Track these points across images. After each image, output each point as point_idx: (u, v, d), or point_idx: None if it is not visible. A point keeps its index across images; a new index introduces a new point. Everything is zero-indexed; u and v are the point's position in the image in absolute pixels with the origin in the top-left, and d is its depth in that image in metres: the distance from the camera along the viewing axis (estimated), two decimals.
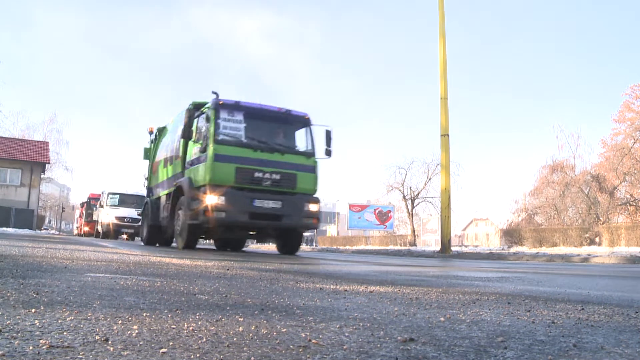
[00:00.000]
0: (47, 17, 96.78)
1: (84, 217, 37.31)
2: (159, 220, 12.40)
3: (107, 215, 25.31)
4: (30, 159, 33.48)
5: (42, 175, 36.77)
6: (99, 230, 26.38)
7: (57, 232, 51.13)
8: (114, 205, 25.80)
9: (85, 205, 37.76)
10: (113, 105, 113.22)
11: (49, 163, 36.62)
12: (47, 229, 52.70)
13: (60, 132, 46.72)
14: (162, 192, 12.46)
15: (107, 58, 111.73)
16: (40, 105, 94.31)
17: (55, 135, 46.08)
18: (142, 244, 14.04)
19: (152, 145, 14.61)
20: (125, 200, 26.32)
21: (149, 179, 14.60)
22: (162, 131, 14.10)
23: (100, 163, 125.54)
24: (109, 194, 26.44)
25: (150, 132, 14.85)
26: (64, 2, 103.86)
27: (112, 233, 25.04)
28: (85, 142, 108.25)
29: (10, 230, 24.59)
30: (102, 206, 26.71)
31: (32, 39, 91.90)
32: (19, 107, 71.67)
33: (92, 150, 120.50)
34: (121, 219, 25.02)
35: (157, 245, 13.19)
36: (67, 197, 79.17)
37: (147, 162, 15.20)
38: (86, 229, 35.53)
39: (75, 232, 45.58)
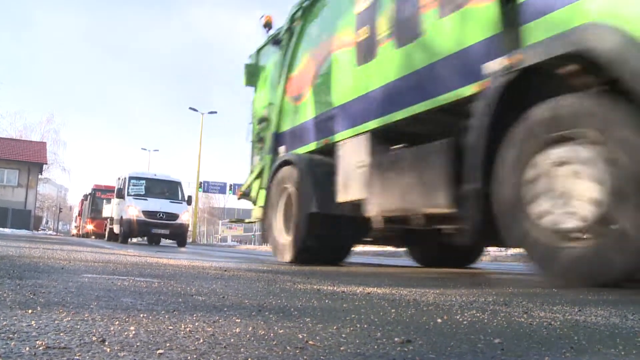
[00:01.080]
0: (47, 17, 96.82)
1: (86, 214, 31.44)
2: (330, 203, 5.74)
3: (129, 209, 17.58)
4: (27, 159, 33.45)
5: (40, 176, 36.70)
6: (116, 231, 18.92)
7: (55, 233, 50.98)
8: (139, 195, 18.26)
9: (88, 198, 31.47)
10: (112, 105, 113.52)
11: (46, 163, 36.61)
12: (45, 230, 52.55)
13: (57, 133, 46.75)
14: (368, 124, 5.38)
15: (107, 58, 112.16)
16: (39, 105, 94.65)
17: (53, 135, 46.11)
18: (284, 260, 6.39)
19: (281, 47, 7.32)
20: (154, 187, 18.98)
21: (277, 117, 7.27)
22: (310, 10, 6.87)
23: (99, 164, 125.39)
24: (132, 179, 18.71)
25: (267, 24, 7.96)
26: (64, 3, 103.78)
27: (138, 234, 18.35)
28: (84, 142, 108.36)
29: (7, 230, 24.55)
30: (121, 196, 18.69)
31: (32, 39, 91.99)
32: (17, 107, 71.67)
33: (91, 151, 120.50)
34: (152, 214, 17.47)
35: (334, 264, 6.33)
36: (64, 198, 79.04)
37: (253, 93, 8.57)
38: (91, 227, 29.32)
39: (74, 232, 42.84)
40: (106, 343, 1.20)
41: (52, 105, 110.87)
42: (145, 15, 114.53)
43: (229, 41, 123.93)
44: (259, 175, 7.65)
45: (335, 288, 3.00)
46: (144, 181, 18.97)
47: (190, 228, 25.56)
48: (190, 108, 34.95)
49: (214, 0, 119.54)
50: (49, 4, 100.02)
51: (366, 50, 5.52)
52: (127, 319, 1.53)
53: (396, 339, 1.42)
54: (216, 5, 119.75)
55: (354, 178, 5.45)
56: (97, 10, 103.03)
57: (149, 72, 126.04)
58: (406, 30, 4.96)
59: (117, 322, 1.47)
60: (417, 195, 4.54)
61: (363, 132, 5.42)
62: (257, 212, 7.73)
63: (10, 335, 1.22)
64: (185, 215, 18.91)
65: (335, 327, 1.58)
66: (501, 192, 3.65)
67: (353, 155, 5.52)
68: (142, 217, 17.34)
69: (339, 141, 5.84)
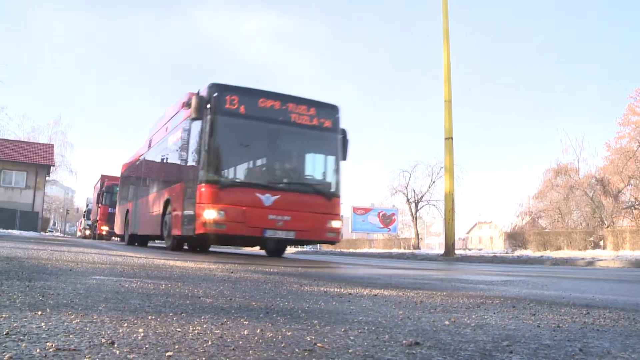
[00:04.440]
0: (50, 19, 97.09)
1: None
2: None
3: None
4: (35, 161, 33.64)
5: (47, 178, 36.89)
6: None
7: (62, 235, 51.24)
8: None
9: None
10: (118, 107, 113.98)
11: (53, 165, 36.78)
12: (52, 231, 52.83)
13: (65, 135, 47.00)
14: None
15: (111, 59, 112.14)
16: (46, 107, 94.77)
17: (60, 137, 46.38)
18: None
19: None
20: None
21: None
22: None
23: (105, 166, 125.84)
24: None
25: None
26: (68, 5, 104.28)
27: None
28: (91, 144, 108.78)
29: (15, 232, 24.70)
30: None
31: (38, 42, 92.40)
32: (25, 110, 72.12)
33: (98, 153, 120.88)
34: None
35: None
36: (71, 200, 79.46)
37: None
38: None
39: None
40: (115, 345, 1.21)
41: (59, 107, 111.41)
42: (148, 16, 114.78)
43: (232, 42, 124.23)
44: None
45: (342, 290, 3.00)
46: None
47: None
48: None
49: (217, 1, 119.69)
50: (52, 7, 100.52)
51: None
52: (135, 321, 1.54)
53: (404, 341, 1.42)
54: (218, 6, 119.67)
55: None
56: (100, 12, 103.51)
57: (154, 73, 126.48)
58: None
59: (126, 324, 1.48)
60: None
61: None
62: None
63: (21, 337, 1.23)
64: None
65: (342, 329, 1.58)
66: None
67: None
68: None
69: None
